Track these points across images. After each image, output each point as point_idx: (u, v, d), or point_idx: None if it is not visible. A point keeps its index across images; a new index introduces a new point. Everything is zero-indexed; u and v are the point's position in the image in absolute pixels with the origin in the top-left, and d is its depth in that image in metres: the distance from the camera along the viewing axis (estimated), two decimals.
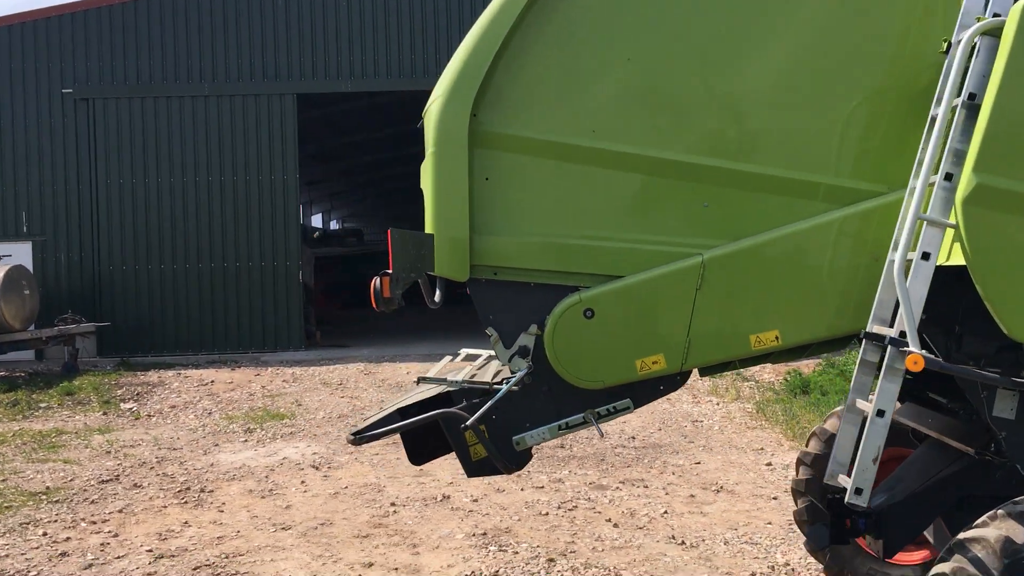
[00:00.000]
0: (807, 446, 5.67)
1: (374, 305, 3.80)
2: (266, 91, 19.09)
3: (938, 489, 4.27)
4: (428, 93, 4.09)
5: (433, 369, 4.62)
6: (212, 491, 8.52)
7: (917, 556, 5.34)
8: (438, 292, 4.03)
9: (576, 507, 7.74)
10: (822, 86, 3.85)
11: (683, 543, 6.70)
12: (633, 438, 10.35)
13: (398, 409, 4.06)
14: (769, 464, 9.05)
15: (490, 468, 4.06)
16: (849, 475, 3.56)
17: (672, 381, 3.91)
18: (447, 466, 9.24)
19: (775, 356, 3.93)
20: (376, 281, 3.72)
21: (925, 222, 3.21)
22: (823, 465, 5.50)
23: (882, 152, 3.79)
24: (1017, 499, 3.31)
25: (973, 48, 3.36)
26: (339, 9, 19.13)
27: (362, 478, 8.86)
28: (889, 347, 3.30)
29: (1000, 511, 3.25)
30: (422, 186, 4.17)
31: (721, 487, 8.26)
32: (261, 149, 19.07)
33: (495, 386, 3.92)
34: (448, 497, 8.12)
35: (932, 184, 3.45)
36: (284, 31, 19.10)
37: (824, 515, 5.52)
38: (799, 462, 5.68)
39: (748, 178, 3.82)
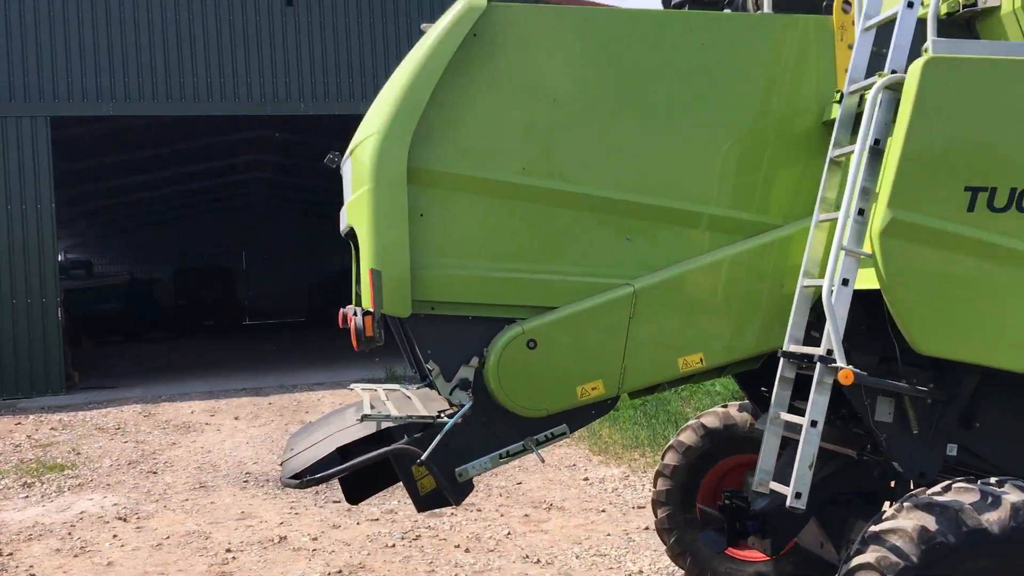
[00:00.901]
0: (664, 459, 6.07)
1: (356, 345, 3.74)
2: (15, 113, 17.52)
3: (818, 489, 4.76)
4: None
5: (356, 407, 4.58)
6: (11, 554, 7.75)
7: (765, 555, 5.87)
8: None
9: (420, 536, 7.77)
10: (710, 130, 4.23)
11: (538, 561, 6.93)
12: None
13: (337, 448, 3.99)
14: (586, 479, 9.49)
15: (438, 501, 4.09)
16: (783, 482, 3.91)
17: (603, 405, 4.13)
18: (269, 506, 8.98)
19: (698, 377, 4.26)
20: (357, 320, 3.67)
21: (844, 252, 3.64)
22: (682, 476, 5.95)
23: (773, 188, 4.23)
24: (915, 492, 3.78)
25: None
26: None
27: (180, 526, 8.39)
28: (818, 364, 3.70)
29: (906, 504, 3.70)
30: (351, 223, 4.15)
31: (551, 504, 8.58)
32: (10, 176, 17.44)
33: (439, 419, 3.96)
34: (284, 538, 7.88)
35: (826, 220, 3.94)
36: (34, 51, 17.62)
37: (684, 522, 5.97)
38: (658, 474, 6.07)
39: (661, 212, 4.13)
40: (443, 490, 3.98)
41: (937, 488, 3.71)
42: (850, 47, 4.23)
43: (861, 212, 3.65)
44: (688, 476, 5.94)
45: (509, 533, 7.72)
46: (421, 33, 4.16)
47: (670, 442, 6.10)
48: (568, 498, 8.80)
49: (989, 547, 3.46)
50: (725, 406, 6.07)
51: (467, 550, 7.29)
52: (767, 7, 4.45)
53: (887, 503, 4.55)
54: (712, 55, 4.23)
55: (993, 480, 3.66)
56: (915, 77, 3.58)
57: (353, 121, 4.72)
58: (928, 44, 3.64)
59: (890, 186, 3.57)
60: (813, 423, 3.73)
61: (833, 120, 4.15)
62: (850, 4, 4.23)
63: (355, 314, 3.95)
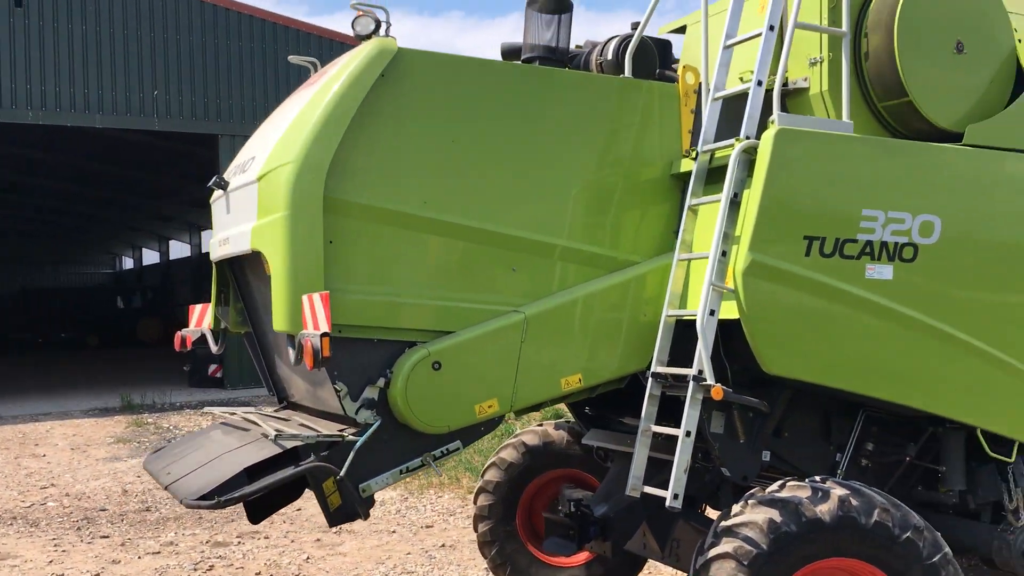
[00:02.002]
0: (485, 476, 6.48)
1: (311, 365, 3.79)
2: None
3: (652, 495, 5.38)
4: None
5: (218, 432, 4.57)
6: None
7: (580, 558, 6.45)
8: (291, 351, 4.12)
9: (213, 567, 7.62)
10: (567, 175, 4.74)
11: None
12: None
13: (245, 469, 4.02)
14: (381, 502, 9.67)
15: (346, 516, 4.23)
16: (661, 487, 4.44)
17: (492, 422, 4.48)
18: (28, 544, 8.36)
19: (575, 395, 4.73)
20: (315, 341, 3.73)
21: (707, 286, 4.27)
22: (504, 491, 6.40)
23: (622, 228, 4.82)
24: (754, 492, 4.44)
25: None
26: None
27: None
28: (692, 382, 4.29)
29: (751, 501, 4.35)
30: (257, 247, 4.23)
31: (340, 528, 8.68)
32: None
33: (347, 438, 4.12)
34: None
35: (686, 259, 4.59)
36: None
37: (504, 534, 6.40)
38: (480, 490, 6.46)
39: (534, 246, 4.58)
40: (355, 504, 4.15)
41: (774, 486, 4.40)
42: (692, 111, 4.94)
43: (724, 253, 4.31)
44: (509, 491, 6.38)
45: (308, 558, 7.77)
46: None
47: (491, 459, 6.51)
48: (355, 521, 8.93)
49: (822, 533, 4.18)
50: (541, 424, 6.59)
51: None
52: (628, 70, 5.04)
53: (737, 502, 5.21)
54: (566, 108, 4.74)
55: (818, 478, 4.41)
56: (768, 144, 4.31)
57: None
58: (775, 116, 4.39)
59: (750, 233, 4.25)
60: (688, 433, 4.31)
61: (681, 173, 4.83)
62: (694, 75, 4.94)
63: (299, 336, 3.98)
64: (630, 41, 5.20)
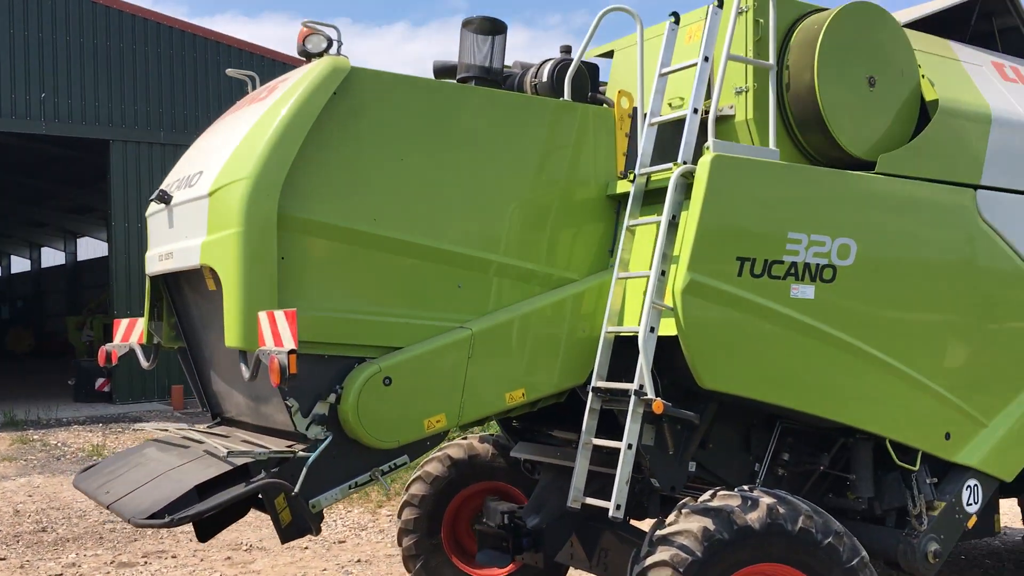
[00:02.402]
0: (411, 490, 6.52)
1: (277, 382, 3.76)
2: None
3: (583, 507, 5.53)
4: None
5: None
6: None
7: (503, 570, 6.55)
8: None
9: None
10: (503, 194, 4.86)
11: None
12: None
13: (196, 487, 3.97)
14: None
15: (297, 532, 4.21)
16: (604, 498, 4.57)
17: (438, 436, 4.55)
18: None
19: (518, 409, 4.83)
20: (282, 358, 3.70)
21: (648, 305, 4.45)
22: (429, 504, 6.46)
23: (558, 245, 4.96)
24: (686, 502, 4.63)
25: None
26: None
27: None
28: (633, 397, 4.46)
29: (684, 510, 4.55)
30: (209, 263, 4.19)
31: (250, 546, 8.55)
32: None
33: (299, 454, 4.12)
34: None
35: (624, 278, 4.77)
36: None
37: (430, 547, 6.44)
38: (405, 504, 6.50)
39: (475, 262, 4.67)
40: (307, 519, 4.15)
41: (706, 496, 4.61)
42: (626, 135, 5.14)
43: (663, 273, 4.51)
44: (434, 504, 6.44)
45: None
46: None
47: (416, 473, 6.56)
48: (264, 538, 8.81)
49: (752, 540, 4.40)
50: (466, 438, 6.67)
51: None
52: (567, 94, 5.20)
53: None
54: (506, 128, 4.87)
55: (746, 487, 4.64)
56: (705, 169, 4.53)
57: None
58: (710, 143, 4.62)
59: (688, 253, 4.46)
60: (629, 446, 4.47)
61: (617, 194, 5.02)
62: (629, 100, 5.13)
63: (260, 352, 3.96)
64: (564, 64, 5.37)
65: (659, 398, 4.39)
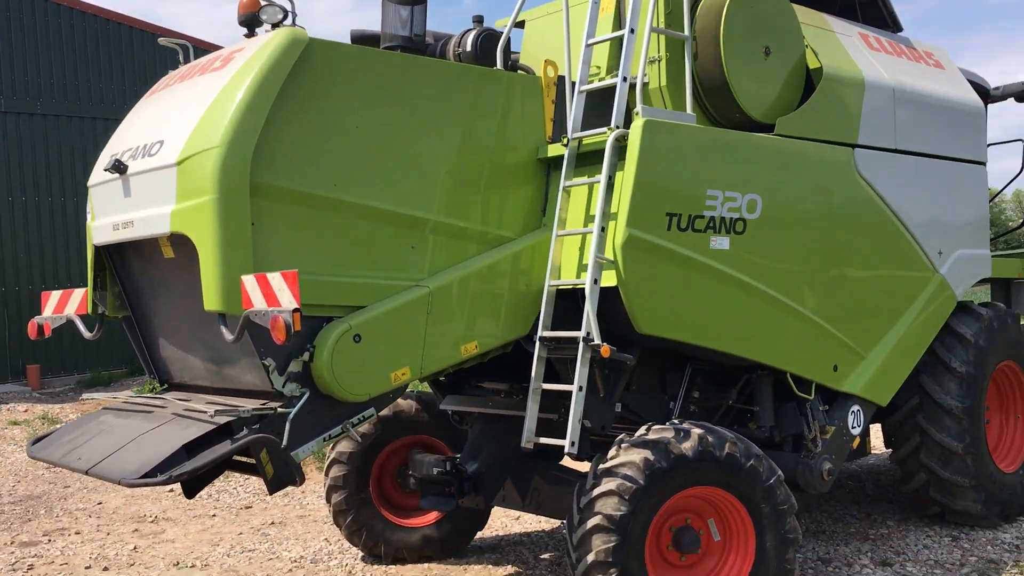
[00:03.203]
0: (337, 447, 6.73)
1: (283, 339, 3.88)
2: None
3: (515, 449, 5.92)
4: None
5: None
6: None
7: (430, 518, 6.89)
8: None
9: (33, 566, 7.28)
10: (438, 157, 5.14)
11: (193, 565, 7.05)
12: None
13: (184, 445, 4.10)
14: (172, 491, 9.49)
15: (281, 483, 4.38)
16: (558, 437, 4.95)
17: (400, 389, 4.82)
18: None
19: (471, 360, 5.13)
20: (286, 317, 3.83)
21: (594, 259, 4.85)
22: (357, 460, 6.71)
23: (491, 205, 5.28)
24: (623, 438, 5.06)
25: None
26: None
27: None
28: (582, 343, 4.85)
29: (624, 444, 4.99)
30: (182, 230, 4.29)
31: (156, 517, 8.53)
32: None
33: (278, 411, 4.31)
34: None
35: (559, 236, 5.14)
36: None
37: (359, 501, 6.70)
38: (333, 462, 6.71)
39: (421, 223, 4.94)
40: (291, 471, 4.35)
41: (642, 431, 5.07)
42: (553, 102, 5.50)
43: (603, 229, 4.92)
44: (362, 460, 6.69)
45: (135, 548, 7.61)
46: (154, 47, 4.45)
47: None
48: (167, 509, 8.80)
49: (687, 466, 4.90)
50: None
51: (105, 568, 7.09)
52: (499, 63, 5.48)
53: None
54: (444, 96, 5.14)
55: (677, 421, 5.15)
56: (637, 134, 4.95)
57: None
58: (639, 109, 5.04)
59: (627, 211, 4.88)
60: (580, 388, 4.88)
61: (548, 157, 5.38)
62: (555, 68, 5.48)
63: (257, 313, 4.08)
64: (488, 34, 5.67)
65: (606, 343, 4.80)
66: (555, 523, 7.70)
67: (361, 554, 6.93)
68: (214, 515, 8.55)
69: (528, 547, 7.12)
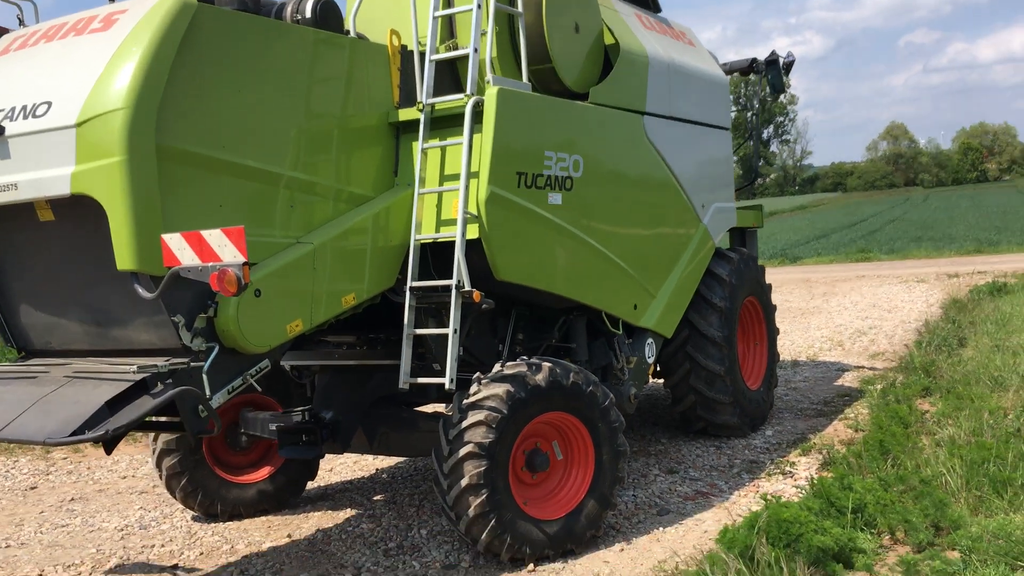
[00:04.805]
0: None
1: (235, 292, 3.93)
2: None
3: (369, 396, 6.31)
4: None
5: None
6: None
7: (263, 473, 7.09)
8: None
9: None
10: (290, 120, 5.40)
11: (10, 545, 6.77)
12: None
13: (105, 402, 4.11)
14: None
15: (202, 431, 4.48)
16: (438, 375, 5.39)
17: (289, 342, 5.05)
18: None
19: (348, 311, 5.41)
20: (236, 270, 3.89)
21: (462, 214, 5.34)
22: None
23: (350, 166, 5.62)
24: (479, 376, 5.65)
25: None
26: None
27: None
28: (454, 291, 5.32)
29: (484, 381, 5.55)
30: (86, 191, 4.25)
31: None
32: None
33: (191, 365, 4.42)
34: None
35: (420, 194, 5.59)
36: None
37: (193, 463, 6.79)
38: None
39: (292, 182, 5.20)
40: (213, 418, 4.49)
41: (497, 367, 5.69)
42: (399, 69, 5.90)
43: (467, 187, 5.42)
44: None
45: None
46: None
47: None
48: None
49: (541, 395, 5.57)
50: None
51: None
52: (352, 29, 5.73)
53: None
54: (307, 62, 5.39)
55: (529, 358, 5.78)
56: (492, 100, 5.48)
57: None
58: (489, 78, 5.57)
59: (487, 170, 5.41)
60: (455, 331, 5.37)
61: (398, 122, 5.78)
62: (398, 37, 5.87)
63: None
64: (326, 2, 5.93)
65: (476, 290, 5.34)
66: (371, 470, 8.14)
67: (192, 515, 6.99)
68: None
69: (357, 492, 7.51)
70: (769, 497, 5.50)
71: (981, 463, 5.77)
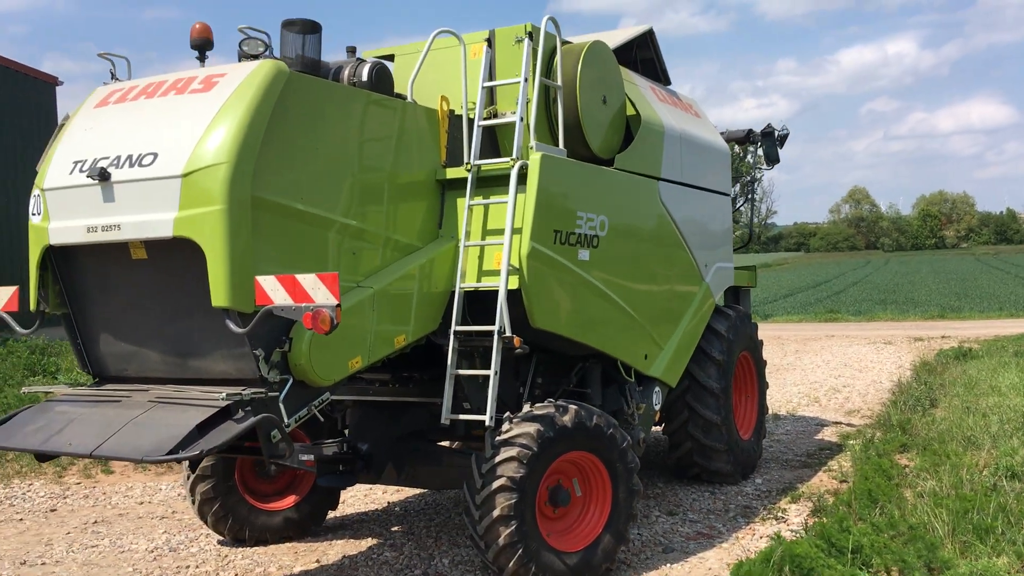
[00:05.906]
0: None
1: (327, 331, 4.39)
2: None
3: (401, 431, 6.75)
4: None
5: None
6: None
7: (290, 501, 7.48)
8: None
9: None
10: (346, 176, 5.92)
11: (44, 564, 7.07)
12: None
13: (197, 426, 4.55)
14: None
15: (278, 455, 4.90)
16: (476, 412, 5.86)
17: (351, 376, 5.51)
18: None
19: (398, 351, 5.88)
20: (329, 311, 4.36)
21: (506, 266, 5.85)
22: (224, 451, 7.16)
23: (398, 218, 6.14)
24: (511, 416, 6.13)
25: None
26: None
27: None
28: (496, 336, 5.82)
29: (515, 420, 6.04)
30: (187, 235, 4.72)
31: None
32: None
33: (270, 395, 4.87)
34: None
35: (467, 246, 6.10)
36: None
37: (225, 489, 7.17)
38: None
39: (360, 232, 5.71)
40: (287, 444, 4.92)
41: (527, 409, 6.17)
42: (447, 132, 6.44)
43: (510, 242, 5.95)
44: (227, 450, 7.12)
45: None
46: None
47: None
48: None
49: (567, 435, 6.05)
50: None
51: None
52: (410, 95, 6.26)
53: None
54: (345, 119, 5.89)
55: (559, 400, 6.27)
56: (536, 164, 6.04)
57: None
58: (532, 144, 6.14)
59: (530, 227, 5.95)
60: (496, 373, 5.86)
61: (446, 179, 6.31)
62: (448, 102, 6.42)
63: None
64: (382, 67, 6.47)
65: (517, 336, 5.85)
66: (383, 503, 8.53)
67: (219, 539, 7.35)
68: (22, 519, 8.38)
69: (374, 523, 7.91)
70: (780, 535, 6.00)
71: (964, 512, 6.32)
